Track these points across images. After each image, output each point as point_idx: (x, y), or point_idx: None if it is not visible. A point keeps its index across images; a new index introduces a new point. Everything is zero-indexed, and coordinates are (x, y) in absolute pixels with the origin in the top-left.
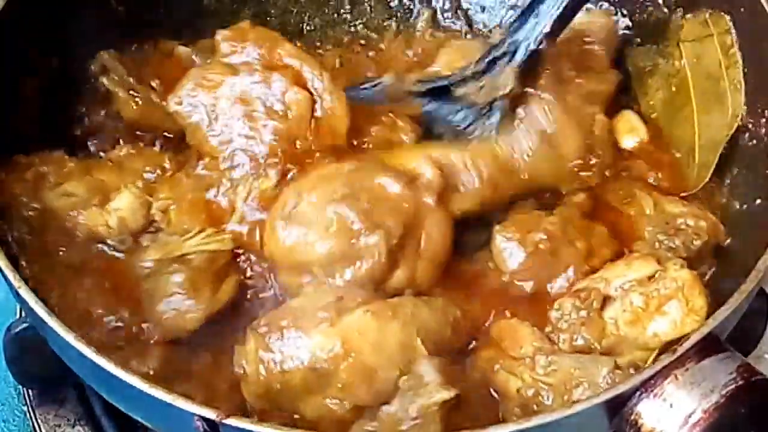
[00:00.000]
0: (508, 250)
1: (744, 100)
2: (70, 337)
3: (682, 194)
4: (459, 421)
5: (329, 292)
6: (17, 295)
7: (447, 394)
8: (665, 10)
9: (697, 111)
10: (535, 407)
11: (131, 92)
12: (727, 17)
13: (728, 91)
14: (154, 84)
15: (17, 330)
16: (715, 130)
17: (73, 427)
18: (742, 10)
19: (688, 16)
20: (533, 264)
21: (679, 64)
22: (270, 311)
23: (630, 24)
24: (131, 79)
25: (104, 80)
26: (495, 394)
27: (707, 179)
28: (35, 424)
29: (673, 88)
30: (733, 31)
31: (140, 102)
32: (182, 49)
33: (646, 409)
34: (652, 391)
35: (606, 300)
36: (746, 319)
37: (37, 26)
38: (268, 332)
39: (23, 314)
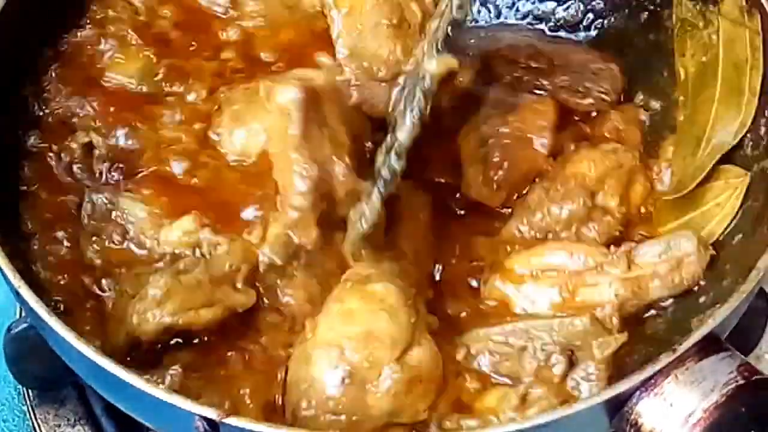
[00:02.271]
0: None
1: (755, 111)
2: (70, 337)
3: (673, 196)
4: None
5: None
6: (17, 295)
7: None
8: None
9: (719, 98)
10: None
11: None
12: (759, 17)
13: (746, 93)
14: None
15: (17, 330)
16: (725, 129)
17: (73, 427)
18: None
19: None
20: None
21: (716, 38)
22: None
23: None
24: None
25: None
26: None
27: (695, 184)
28: (35, 424)
29: (704, 59)
30: (762, 34)
31: None
32: None
33: (646, 409)
34: (652, 390)
35: None
36: (746, 318)
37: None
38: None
39: (23, 314)
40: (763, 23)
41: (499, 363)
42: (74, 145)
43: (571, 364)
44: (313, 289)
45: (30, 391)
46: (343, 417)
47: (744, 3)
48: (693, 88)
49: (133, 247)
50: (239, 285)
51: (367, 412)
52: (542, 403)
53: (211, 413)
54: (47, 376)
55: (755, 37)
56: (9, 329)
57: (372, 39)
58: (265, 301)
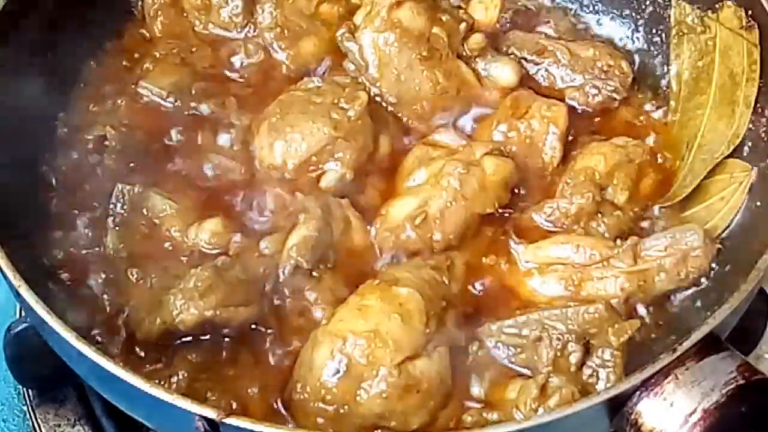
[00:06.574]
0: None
1: (748, 122)
2: (70, 337)
3: (667, 204)
4: None
5: None
6: (17, 294)
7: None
8: None
9: (712, 105)
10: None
11: None
12: (757, 32)
13: (740, 105)
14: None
15: (17, 330)
16: (716, 139)
17: (73, 427)
18: None
19: (729, 2)
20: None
21: (712, 45)
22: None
23: None
24: None
25: None
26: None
27: (688, 191)
28: (35, 424)
29: (700, 64)
30: (760, 48)
31: None
32: None
33: (646, 409)
34: (652, 390)
35: None
36: (746, 318)
37: None
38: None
39: (23, 314)
40: (761, 37)
41: (515, 355)
42: (89, 137)
43: (587, 352)
44: (340, 293)
45: (30, 391)
46: (331, 408)
47: (743, 14)
48: (686, 92)
49: (160, 240)
50: (268, 288)
51: (356, 409)
52: (563, 392)
53: (211, 413)
54: (47, 376)
55: (753, 49)
56: (9, 329)
57: (411, 78)
58: (289, 302)
